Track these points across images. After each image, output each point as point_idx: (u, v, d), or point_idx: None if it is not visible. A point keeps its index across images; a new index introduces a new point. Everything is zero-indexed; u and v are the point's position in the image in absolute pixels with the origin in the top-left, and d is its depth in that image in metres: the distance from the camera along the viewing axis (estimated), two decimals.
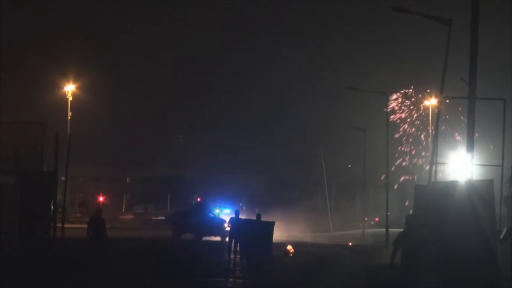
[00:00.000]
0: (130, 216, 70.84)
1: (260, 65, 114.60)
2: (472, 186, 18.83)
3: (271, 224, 29.66)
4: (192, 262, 28.79)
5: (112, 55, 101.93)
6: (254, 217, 30.51)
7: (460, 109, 60.07)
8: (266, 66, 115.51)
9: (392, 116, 66.40)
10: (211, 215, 50.93)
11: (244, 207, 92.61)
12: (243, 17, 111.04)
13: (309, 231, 63.25)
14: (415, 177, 70.91)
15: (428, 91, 61.48)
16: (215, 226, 48.67)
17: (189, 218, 49.26)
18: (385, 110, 51.99)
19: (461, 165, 22.84)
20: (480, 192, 18.47)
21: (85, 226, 23.86)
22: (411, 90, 72.44)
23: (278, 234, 39.07)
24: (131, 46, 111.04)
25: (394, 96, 70.91)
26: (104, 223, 23.27)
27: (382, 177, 56.04)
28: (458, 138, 60.78)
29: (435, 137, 23.10)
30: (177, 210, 57.59)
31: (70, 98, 57.11)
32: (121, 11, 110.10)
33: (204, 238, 47.16)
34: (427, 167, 24.04)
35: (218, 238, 47.27)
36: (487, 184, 18.82)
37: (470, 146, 19.90)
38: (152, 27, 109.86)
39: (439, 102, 26.22)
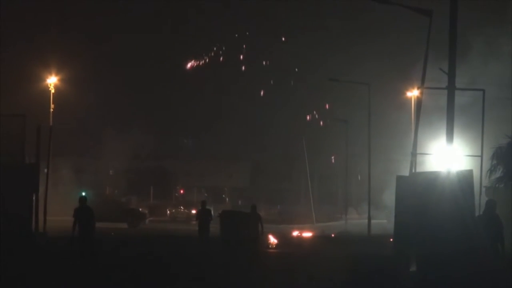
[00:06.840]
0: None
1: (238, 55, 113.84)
2: (453, 177, 18.92)
3: (257, 217, 27.57)
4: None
5: (95, 46, 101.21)
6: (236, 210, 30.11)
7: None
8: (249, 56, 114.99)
9: None
10: None
11: (227, 199, 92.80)
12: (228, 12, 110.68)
13: (292, 222, 63.36)
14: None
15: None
16: None
17: None
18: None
19: (442, 156, 22.97)
20: (461, 182, 18.57)
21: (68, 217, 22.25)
22: None
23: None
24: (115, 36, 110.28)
25: None
26: (92, 213, 21.06)
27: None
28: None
29: (416, 127, 23.23)
30: None
31: (53, 90, 56.90)
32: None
33: None
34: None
35: None
36: (467, 174, 18.93)
37: (450, 137, 19.99)
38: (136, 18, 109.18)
39: (421, 93, 26.34)
